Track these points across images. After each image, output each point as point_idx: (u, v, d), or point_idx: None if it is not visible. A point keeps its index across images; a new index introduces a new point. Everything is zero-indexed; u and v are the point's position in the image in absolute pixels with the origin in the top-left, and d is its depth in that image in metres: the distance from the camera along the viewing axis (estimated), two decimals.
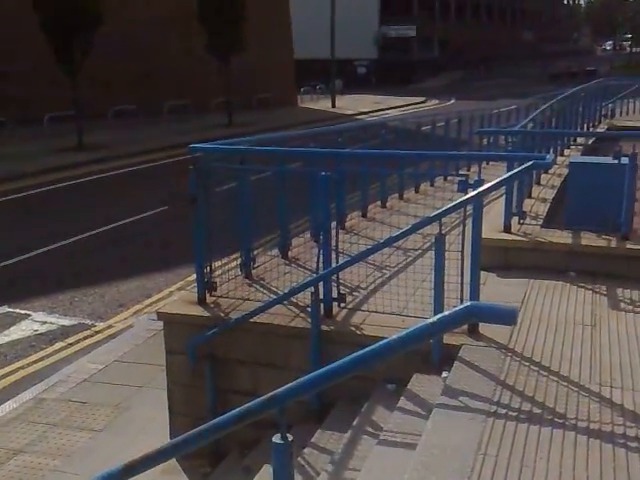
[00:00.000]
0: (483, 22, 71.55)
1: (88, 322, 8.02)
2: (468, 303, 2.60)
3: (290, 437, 2.29)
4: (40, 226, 12.27)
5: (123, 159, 19.50)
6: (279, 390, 2.40)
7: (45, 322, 7.97)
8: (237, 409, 2.47)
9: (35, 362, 7.02)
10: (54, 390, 6.37)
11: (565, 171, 8.22)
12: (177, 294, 8.39)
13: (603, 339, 4.31)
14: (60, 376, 6.65)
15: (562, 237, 5.93)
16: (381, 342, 2.47)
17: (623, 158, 6.03)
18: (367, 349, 2.48)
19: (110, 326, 7.94)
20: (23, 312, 8.24)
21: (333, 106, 36.28)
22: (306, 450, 4.03)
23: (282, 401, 2.33)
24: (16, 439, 5.54)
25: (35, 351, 7.26)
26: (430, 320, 2.43)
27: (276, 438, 2.28)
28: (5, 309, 8.33)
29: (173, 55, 29.66)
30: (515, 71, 62.64)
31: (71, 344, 7.44)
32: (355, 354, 2.47)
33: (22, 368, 6.89)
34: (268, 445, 4.54)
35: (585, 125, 14.21)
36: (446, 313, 2.38)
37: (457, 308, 2.36)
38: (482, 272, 4.79)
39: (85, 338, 7.61)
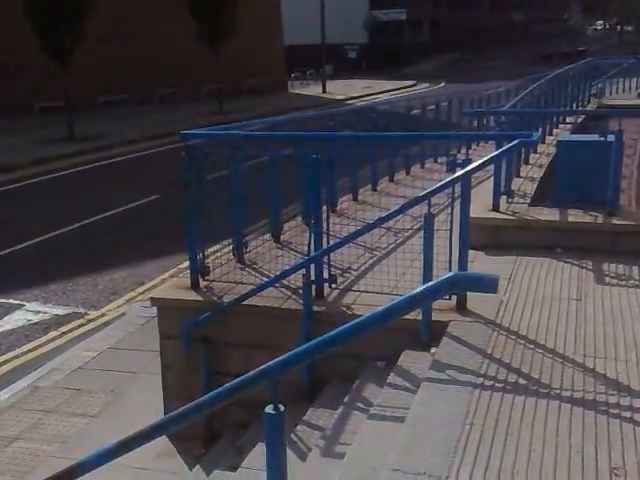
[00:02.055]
0: (473, 4, 71.17)
1: (81, 311, 8.07)
2: (451, 273, 2.66)
3: (282, 407, 2.34)
4: (32, 217, 12.29)
5: (114, 149, 19.48)
6: (270, 363, 2.45)
7: (39, 312, 8.01)
8: (229, 383, 2.51)
9: (30, 351, 7.06)
10: (49, 378, 6.42)
11: (553, 150, 8.29)
12: (169, 281, 8.44)
13: (588, 312, 4.39)
14: (54, 364, 6.70)
15: (549, 215, 6.00)
16: (369, 314, 2.51)
17: (609, 135, 6.09)
18: (355, 321, 2.52)
19: (103, 314, 7.99)
20: (16, 302, 8.27)
21: (324, 91, 36.26)
22: (298, 427, 4.10)
23: (273, 374, 2.39)
24: (12, 426, 5.59)
25: (29, 340, 7.30)
26: (415, 291, 2.48)
27: (268, 409, 2.33)
28: None
29: (162, 43, 29.50)
30: (506, 53, 62.55)
31: (65, 333, 7.49)
32: (344, 326, 2.51)
33: (17, 357, 6.93)
34: (261, 425, 4.64)
35: (574, 104, 14.25)
36: (430, 284, 2.43)
37: (440, 278, 2.41)
38: (471, 251, 4.84)
39: (79, 327, 7.65)
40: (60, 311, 8.03)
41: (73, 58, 20.54)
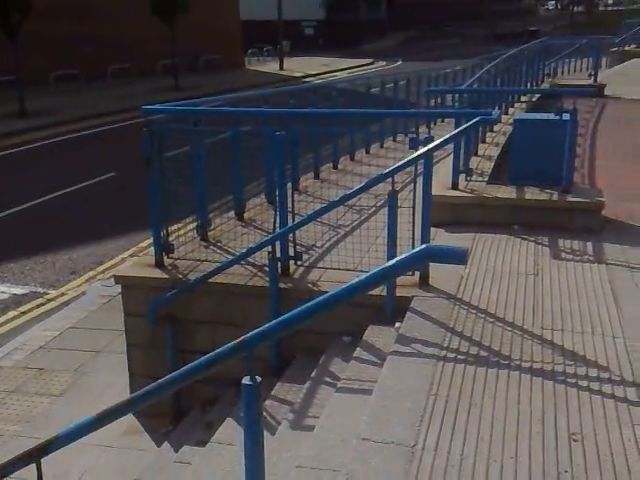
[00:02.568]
0: None
1: (40, 290, 7.96)
2: (424, 245, 2.74)
3: (259, 379, 2.40)
4: None
5: (68, 125, 19.03)
6: (248, 335, 2.50)
7: None
8: (208, 355, 2.55)
9: None
10: (10, 358, 6.36)
11: (509, 129, 8.46)
12: (132, 259, 8.39)
13: (545, 287, 4.55)
14: (15, 344, 6.63)
15: (506, 192, 6.15)
16: (345, 285, 2.56)
17: (564, 114, 6.25)
18: (332, 292, 2.57)
19: (63, 294, 7.90)
20: None
21: (281, 68, 35.97)
22: (267, 402, 4.16)
23: (251, 345, 2.45)
24: None
25: None
26: (389, 263, 2.55)
27: (246, 380, 2.39)
28: None
29: (115, 16, 28.76)
30: (461, 31, 62.97)
31: (24, 312, 7.40)
32: (320, 297, 2.56)
33: None
34: (228, 401, 4.71)
35: (529, 84, 14.50)
36: (403, 256, 2.50)
37: (414, 250, 2.49)
38: (432, 228, 4.95)
39: (38, 306, 7.56)
40: (18, 290, 7.91)
41: (24, 32, 19.88)
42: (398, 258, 2.53)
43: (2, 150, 16.03)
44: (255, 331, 2.46)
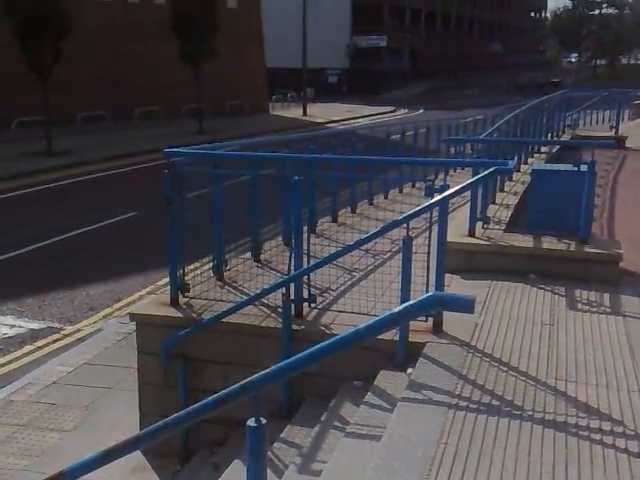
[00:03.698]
0: (452, 33, 72.62)
1: (57, 326, 8.02)
2: (431, 293, 2.75)
3: (264, 420, 2.40)
4: (8, 231, 12.18)
5: (93, 165, 19.40)
6: (254, 376, 2.51)
7: (14, 325, 7.94)
8: (214, 395, 2.56)
9: (4, 365, 7.01)
10: (23, 392, 6.37)
11: (528, 179, 8.48)
12: (148, 297, 8.44)
13: (560, 337, 4.51)
14: (29, 378, 6.65)
15: (523, 241, 6.15)
16: (351, 330, 2.57)
17: (582, 166, 6.27)
18: (338, 336, 2.58)
19: (79, 330, 7.94)
20: None
21: (304, 114, 36.52)
22: (275, 444, 4.13)
23: (257, 387, 2.45)
24: None
25: (4, 354, 7.24)
26: (396, 309, 2.56)
27: (250, 422, 2.38)
28: None
29: (144, 61, 29.58)
30: (483, 82, 63.74)
31: (40, 347, 7.44)
32: (326, 342, 2.57)
33: None
34: (237, 442, 4.67)
35: (549, 134, 14.58)
36: (411, 302, 2.51)
37: (421, 297, 2.50)
38: (447, 275, 4.95)
39: (54, 341, 7.60)
40: (35, 325, 7.97)
41: (54, 74, 20.48)
42: (406, 304, 2.54)
43: (28, 187, 16.34)
44: (261, 372, 2.46)
